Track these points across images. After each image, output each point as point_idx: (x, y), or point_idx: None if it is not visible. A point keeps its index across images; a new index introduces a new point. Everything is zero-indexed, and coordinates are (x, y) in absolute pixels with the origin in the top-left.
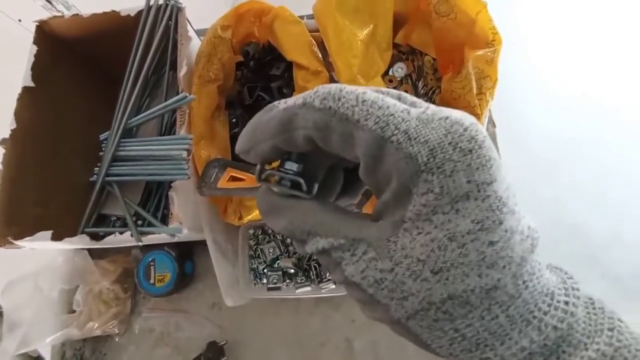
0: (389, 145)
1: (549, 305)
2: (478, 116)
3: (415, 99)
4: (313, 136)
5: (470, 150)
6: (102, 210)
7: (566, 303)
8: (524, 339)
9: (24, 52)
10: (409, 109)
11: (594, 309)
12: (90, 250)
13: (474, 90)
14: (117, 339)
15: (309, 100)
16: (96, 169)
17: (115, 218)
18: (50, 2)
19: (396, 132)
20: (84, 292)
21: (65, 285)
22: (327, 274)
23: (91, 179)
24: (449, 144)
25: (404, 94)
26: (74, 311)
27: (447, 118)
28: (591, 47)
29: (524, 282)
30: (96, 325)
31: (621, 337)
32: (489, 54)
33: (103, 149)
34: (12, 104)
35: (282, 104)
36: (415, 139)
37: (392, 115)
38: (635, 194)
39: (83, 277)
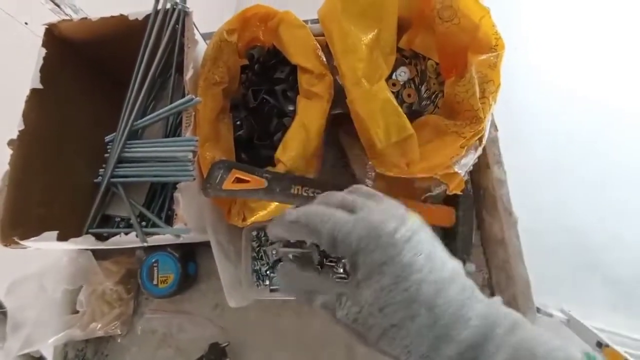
0: (338, 240)
1: (464, 328)
2: (481, 120)
3: (357, 203)
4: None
5: (380, 237)
6: (106, 211)
7: (477, 327)
8: (449, 350)
9: (29, 54)
10: (349, 217)
11: (510, 332)
12: (94, 251)
13: (477, 94)
14: (119, 340)
15: (298, 220)
16: (101, 170)
17: (119, 219)
18: (58, 6)
19: (339, 232)
20: (87, 292)
21: (69, 285)
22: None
23: (96, 180)
24: (368, 235)
25: (354, 201)
26: (77, 312)
27: (369, 221)
28: (593, 52)
29: (440, 312)
30: (99, 326)
31: (520, 355)
32: (492, 58)
33: (109, 150)
34: (17, 105)
35: (287, 216)
36: (350, 234)
37: (337, 222)
38: (636, 198)
39: (87, 277)
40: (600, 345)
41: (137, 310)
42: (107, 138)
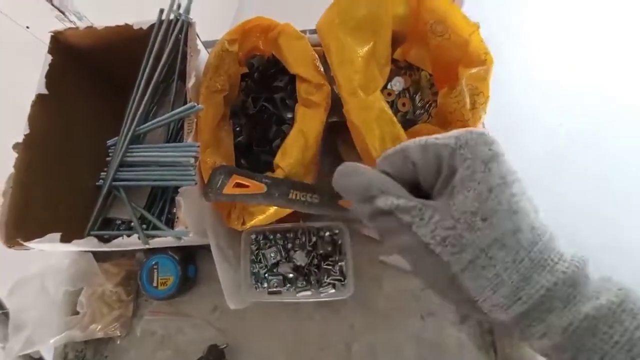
0: (429, 144)
1: (559, 258)
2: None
3: None
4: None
5: (483, 134)
6: (107, 214)
7: (572, 262)
8: (543, 280)
9: (32, 59)
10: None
11: (607, 279)
12: (95, 253)
13: (468, 106)
14: (118, 342)
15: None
16: (102, 173)
17: (120, 222)
18: (63, 13)
19: (431, 139)
20: (87, 294)
21: (69, 287)
22: (326, 278)
23: (97, 183)
24: (467, 135)
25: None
26: (77, 313)
27: (465, 129)
28: (591, 59)
29: (538, 234)
30: (99, 327)
31: (629, 294)
32: (481, 72)
33: (110, 154)
34: (18, 109)
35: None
36: (446, 136)
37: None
38: (636, 201)
39: (87, 279)
40: None
41: (137, 312)
42: (109, 142)
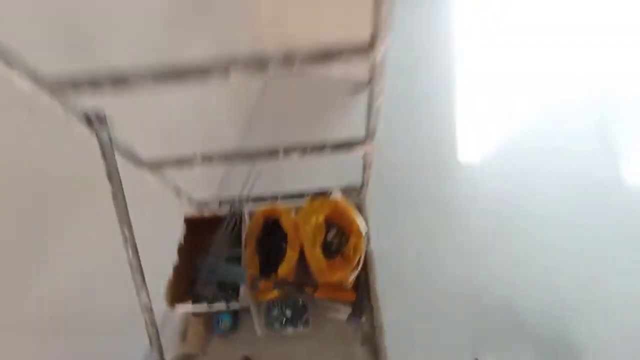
0: None
1: None
2: (354, 262)
3: None
4: None
5: None
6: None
7: None
8: None
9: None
10: None
11: None
12: None
13: (352, 252)
14: (199, 357)
15: None
16: (195, 273)
17: (203, 296)
18: (178, 194)
19: None
20: (189, 330)
21: (180, 327)
22: (299, 323)
23: (192, 278)
24: None
25: None
26: (184, 339)
27: None
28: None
29: None
30: (192, 347)
31: None
32: (359, 240)
33: (198, 263)
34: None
35: None
36: None
37: None
38: (562, 271)
39: (190, 322)
40: None
41: (209, 340)
42: (198, 259)
